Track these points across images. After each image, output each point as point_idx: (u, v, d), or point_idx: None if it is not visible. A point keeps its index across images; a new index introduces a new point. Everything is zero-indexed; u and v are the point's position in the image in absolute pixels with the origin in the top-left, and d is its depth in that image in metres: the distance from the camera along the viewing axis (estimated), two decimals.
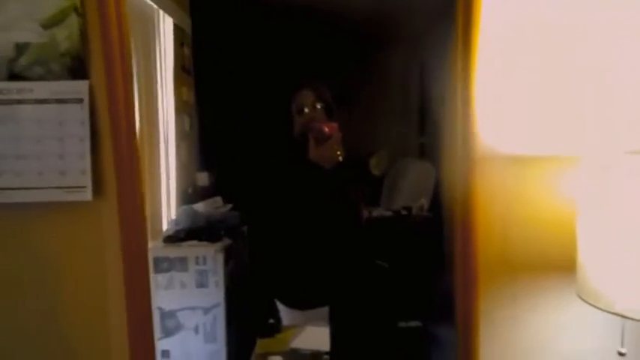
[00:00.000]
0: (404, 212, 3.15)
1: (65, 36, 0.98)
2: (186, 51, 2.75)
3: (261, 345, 1.90)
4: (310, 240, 1.72)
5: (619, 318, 0.98)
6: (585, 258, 1.02)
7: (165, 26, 2.42)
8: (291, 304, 1.78)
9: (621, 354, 1.03)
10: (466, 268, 1.03)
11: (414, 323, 1.73)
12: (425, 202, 3.17)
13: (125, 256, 1.03)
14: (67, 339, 1.12)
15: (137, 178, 1.04)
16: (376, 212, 3.15)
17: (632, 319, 0.95)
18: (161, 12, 2.35)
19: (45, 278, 1.08)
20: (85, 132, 1.01)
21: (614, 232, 0.97)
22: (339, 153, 1.68)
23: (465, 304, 1.04)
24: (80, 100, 1.00)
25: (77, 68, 1.00)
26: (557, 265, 1.13)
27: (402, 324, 1.70)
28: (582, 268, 1.02)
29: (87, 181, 1.02)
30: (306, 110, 1.76)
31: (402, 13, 3.34)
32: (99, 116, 1.01)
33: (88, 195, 1.03)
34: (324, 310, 1.65)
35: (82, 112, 1.00)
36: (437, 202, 3.10)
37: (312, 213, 1.69)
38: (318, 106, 1.76)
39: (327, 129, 1.67)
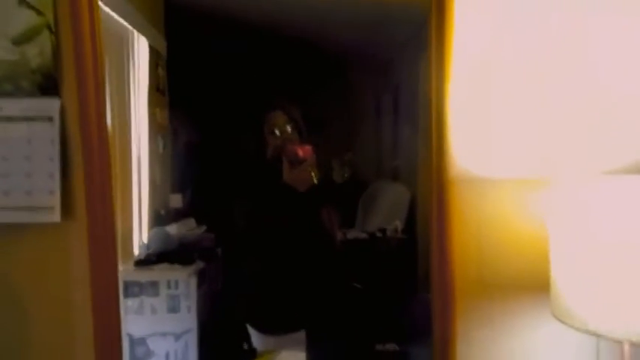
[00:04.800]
0: (379, 234, 3.16)
1: (36, 53, 0.95)
2: (161, 72, 2.73)
3: None
4: (284, 263, 1.70)
5: (593, 337, 0.99)
6: (558, 278, 1.03)
7: (140, 47, 2.41)
8: (265, 330, 1.75)
9: None
10: (443, 289, 1.03)
11: (390, 346, 1.72)
12: (399, 224, 3.19)
13: (94, 281, 0.99)
14: None
15: (109, 199, 1.01)
16: (351, 234, 3.15)
17: (606, 337, 0.96)
18: (135, 33, 2.34)
19: (9, 303, 1.03)
20: (55, 151, 0.98)
21: (586, 251, 0.99)
22: (313, 175, 1.68)
23: (443, 325, 1.03)
24: (50, 119, 0.97)
25: (48, 86, 0.97)
26: (532, 285, 1.14)
27: (379, 347, 1.69)
28: (555, 288, 1.04)
29: (55, 201, 0.99)
30: (277, 132, 1.76)
31: (376, 39, 3.42)
32: (70, 135, 0.98)
33: (56, 216, 0.99)
34: (300, 335, 1.62)
35: (52, 131, 0.97)
36: (411, 224, 3.14)
37: (286, 236, 1.68)
38: (289, 128, 1.77)
39: (301, 152, 1.67)
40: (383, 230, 3.12)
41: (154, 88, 2.60)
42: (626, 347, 1.03)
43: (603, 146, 1.17)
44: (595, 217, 0.98)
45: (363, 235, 3.14)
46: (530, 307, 1.15)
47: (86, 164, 0.96)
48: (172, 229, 2.40)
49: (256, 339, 1.79)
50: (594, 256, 0.97)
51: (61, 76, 0.98)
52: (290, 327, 1.69)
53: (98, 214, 0.98)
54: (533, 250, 1.13)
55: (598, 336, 0.97)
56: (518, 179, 1.15)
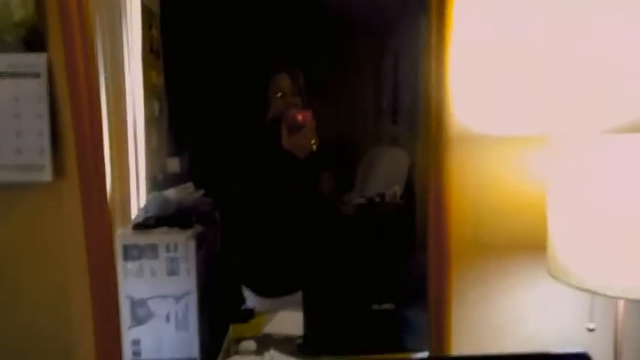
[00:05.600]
0: (377, 199, 3.17)
1: (19, 3, 0.91)
2: (155, 33, 2.67)
3: (235, 330, 1.88)
4: (283, 228, 1.71)
5: (588, 295, 1.00)
6: (555, 236, 1.03)
7: (132, 7, 2.34)
8: (263, 293, 1.77)
9: (590, 330, 1.05)
10: (439, 249, 1.03)
11: (387, 306, 1.75)
12: (398, 189, 3.19)
13: (88, 241, 0.99)
14: (28, 327, 1.07)
15: (100, 158, 0.99)
16: (349, 199, 3.15)
17: (602, 294, 0.96)
18: None
19: (1, 264, 1.03)
20: (44, 108, 0.95)
21: (583, 210, 0.98)
22: (313, 142, 1.67)
23: (438, 284, 1.04)
24: (37, 75, 0.94)
25: (33, 40, 0.94)
26: (528, 244, 1.15)
27: (376, 307, 1.72)
28: (552, 247, 1.04)
29: (46, 160, 0.97)
30: (279, 95, 1.74)
31: (376, 2, 3.33)
32: (58, 92, 0.96)
33: (47, 175, 0.98)
34: (298, 296, 1.64)
35: (39, 87, 0.94)
36: (410, 189, 3.13)
37: (285, 202, 1.68)
38: (293, 93, 1.75)
39: (300, 117, 1.66)
40: (381, 195, 3.12)
41: (148, 50, 2.54)
42: (621, 304, 1.03)
43: (602, 105, 1.15)
44: (593, 176, 0.97)
45: (362, 200, 3.15)
46: (525, 267, 1.16)
47: (76, 122, 0.94)
48: (170, 193, 2.39)
49: (255, 300, 1.82)
50: (591, 215, 0.97)
51: (47, 29, 0.94)
52: (286, 290, 1.71)
53: (91, 173, 0.97)
54: (530, 209, 1.13)
55: (594, 293, 0.97)
56: (517, 137, 1.14)
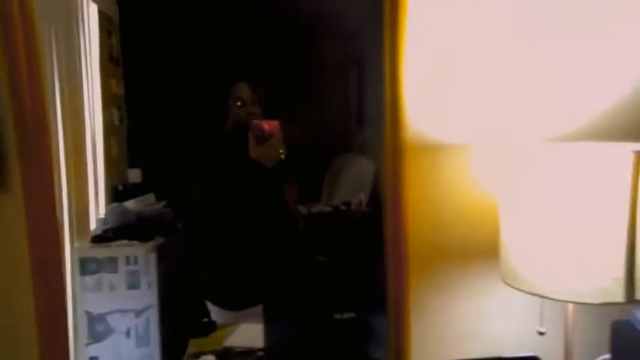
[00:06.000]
0: (343, 207, 3.17)
1: None
2: (114, 41, 2.61)
3: (195, 344, 1.83)
4: (246, 239, 1.68)
5: (538, 299, 1.02)
6: (507, 242, 1.05)
7: (90, 13, 2.29)
8: (225, 306, 1.74)
9: (541, 333, 1.08)
10: (397, 256, 1.03)
11: (348, 315, 1.75)
12: (364, 197, 3.21)
13: (34, 259, 0.94)
14: None
15: (48, 170, 0.95)
16: (316, 208, 3.15)
17: (551, 298, 0.99)
18: None
19: None
20: None
21: (532, 216, 1.01)
22: (281, 151, 1.64)
23: (396, 291, 1.04)
24: None
25: None
26: (484, 250, 1.16)
27: (337, 316, 1.71)
28: (504, 253, 1.06)
29: None
30: (239, 104, 1.71)
31: (340, 11, 3.37)
32: (0, 102, 0.92)
33: None
34: (259, 308, 1.61)
35: None
36: (376, 197, 3.15)
37: (249, 212, 1.65)
38: (252, 102, 1.72)
39: (267, 127, 1.63)
40: (347, 203, 3.13)
41: (107, 58, 2.48)
42: (570, 308, 1.06)
43: (550, 114, 1.19)
44: (542, 183, 1.00)
45: (328, 209, 3.15)
46: (481, 273, 1.17)
47: (19, 132, 0.90)
48: (130, 204, 2.34)
49: (216, 313, 1.78)
50: (540, 221, 0.99)
51: None
52: (249, 302, 1.68)
53: (36, 186, 0.93)
54: (484, 216, 1.15)
55: (543, 297, 1.00)
56: (470, 145, 1.16)
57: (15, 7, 0.86)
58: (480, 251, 1.17)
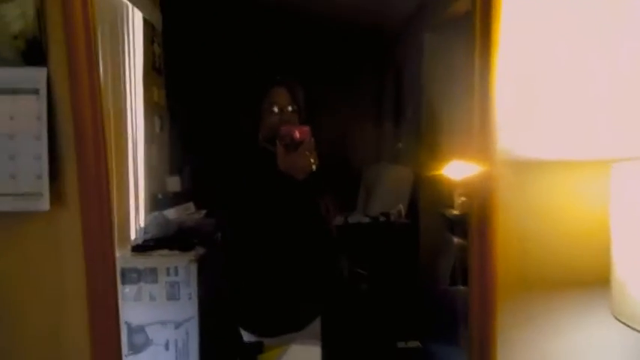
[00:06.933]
0: (382, 218, 3.10)
1: (17, 15, 0.83)
2: (157, 49, 2.60)
3: None
4: (284, 259, 1.53)
5: None
6: (622, 273, 0.92)
7: (135, 21, 2.28)
8: (258, 331, 1.59)
9: None
10: (483, 286, 0.93)
11: (413, 344, 1.64)
12: (402, 207, 3.12)
13: (89, 276, 0.89)
14: None
15: (105, 184, 0.90)
16: (353, 218, 3.07)
17: None
18: (130, 5, 2.20)
19: None
20: (42, 128, 0.86)
21: None
22: (312, 161, 1.49)
23: (481, 324, 0.94)
24: (36, 91, 0.85)
25: (33, 53, 0.85)
26: (584, 280, 1.04)
27: (401, 344, 1.61)
28: (618, 285, 0.93)
29: (43, 187, 0.87)
30: (276, 110, 1.56)
31: (379, 15, 3.30)
32: (59, 110, 0.86)
33: (44, 204, 0.88)
34: (314, 328, 1.50)
35: (38, 105, 0.85)
36: (414, 208, 3.07)
37: (283, 229, 1.50)
38: (290, 108, 1.57)
39: (298, 133, 1.47)
40: (386, 214, 3.05)
41: (150, 66, 2.48)
42: None
43: None
44: None
45: (366, 220, 3.07)
46: (579, 306, 1.05)
47: (78, 144, 0.85)
48: (170, 213, 2.31)
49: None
50: None
51: (48, 41, 0.85)
52: (288, 328, 1.55)
53: (93, 201, 0.87)
54: (583, 241, 1.03)
55: None
56: (571, 161, 1.04)
57: (78, 12, 0.81)
58: (579, 282, 1.04)
